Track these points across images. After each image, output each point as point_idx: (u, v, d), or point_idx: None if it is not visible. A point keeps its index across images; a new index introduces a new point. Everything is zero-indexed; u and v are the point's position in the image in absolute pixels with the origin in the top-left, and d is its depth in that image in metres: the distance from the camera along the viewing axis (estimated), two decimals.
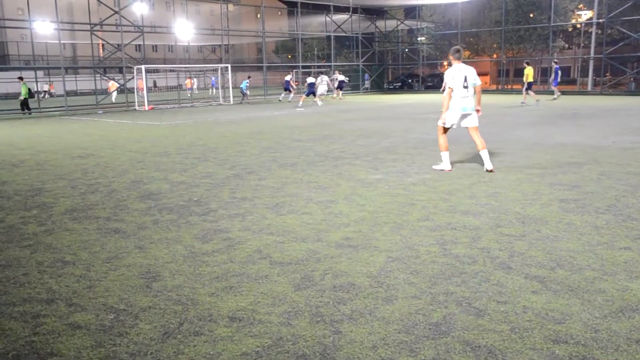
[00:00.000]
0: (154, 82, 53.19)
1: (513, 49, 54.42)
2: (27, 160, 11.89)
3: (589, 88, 41.24)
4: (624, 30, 38.83)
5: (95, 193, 8.28)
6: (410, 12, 53.21)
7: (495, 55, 56.95)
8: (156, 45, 65.92)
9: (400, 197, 7.54)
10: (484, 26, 53.13)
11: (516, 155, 10.87)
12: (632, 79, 41.80)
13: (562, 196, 7.36)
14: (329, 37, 47.69)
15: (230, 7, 55.63)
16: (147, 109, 30.20)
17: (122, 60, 32.52)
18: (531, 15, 51.84)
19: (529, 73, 26.79)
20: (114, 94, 37.82)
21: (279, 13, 76.06)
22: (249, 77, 37.12)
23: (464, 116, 9.30)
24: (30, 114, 27.76)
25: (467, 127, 9.43)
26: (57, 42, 30.70)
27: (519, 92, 29.43)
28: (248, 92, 36.45)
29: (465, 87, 9.18)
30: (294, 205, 7.20)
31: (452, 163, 9.78)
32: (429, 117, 20.76)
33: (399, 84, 52.09)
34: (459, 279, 4.48)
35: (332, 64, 45.78)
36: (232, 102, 34.73)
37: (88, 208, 7.30)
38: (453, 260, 4.92)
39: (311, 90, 31.15)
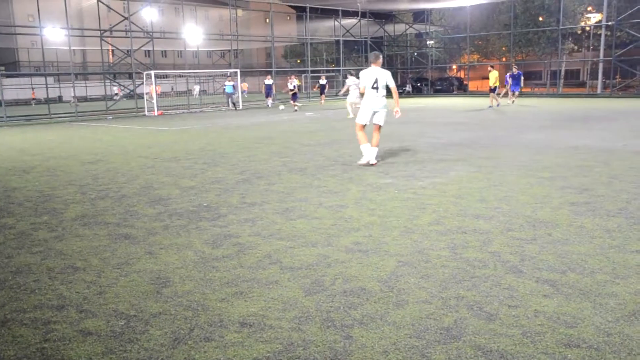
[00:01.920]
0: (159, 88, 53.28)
1: (522, 52, 54.32)
2: (38, 166, 11.96)
3: (599, 91, 41.08)
4: (634, 33, 38.65)
5: (105, 199, 8.31)
6: (419, 16, 53.22)
7: (504, 59, 56.83)
8: (165, 51, 66.29)
9: (411, 201, 7.52)
10: (493, 29, 53.10)
11: (527, 159, 10.82)
12: None
13: (573, 199, 7.32)
14: (337, 42, 47.73)
15: (239, 12, 55.79)
16: (156, 114, 30.31)
17: (131, 66, 32.70)
18: (540, 19, 51.72)
19: (495, 77, 27.94)
20: (154, 98, 38.61)
21: (288, 18, 76.30)
22: (229, 77, 34.50)
23: (374, 113, 10.42)
24: None
25: (373, 124, 10.53)
26: (67, 48, 30.89)
27: (528, 95, 29.98)
28: (234, 97, 34.68)
29: (375, 88, 10.25)
30: (304, 210, 7.20)
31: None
32: (439, 121, 20.72)
33: (408, 87, 51.97)
34: (469, 283, 4.46)
35: (342, 68, 45.83)
36: (241, 107, 34.78)
37: (98, 214, 7.33)
38: (464, 265, 4.90)
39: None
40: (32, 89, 34.80)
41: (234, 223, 6.62)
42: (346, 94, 24.60)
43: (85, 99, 52.92)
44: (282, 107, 30.41)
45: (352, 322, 3.83)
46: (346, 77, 25.77)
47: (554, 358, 3.27)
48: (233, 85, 33.75)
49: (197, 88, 51.72)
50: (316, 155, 12.27)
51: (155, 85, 33.11)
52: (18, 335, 3.81)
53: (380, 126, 10.55)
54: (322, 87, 37.16)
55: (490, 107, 27.51)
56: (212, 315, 4.00)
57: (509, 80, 29.90)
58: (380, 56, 10.49)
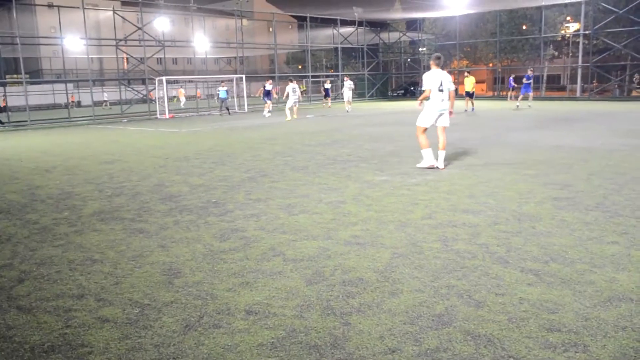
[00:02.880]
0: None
1: (507, 58, 54.19)
2: (59, 166, 11.95)
3: (578, 94, 41.11)
4: (608, 41, 38.69)
5: (120, 196, 8.31)
6: (412, 24, 53.01)
7: (491, 64, 56.73)
8: (176, 58, 66.17)
9: (405, 197, 7.52)
10: (480, 37, 52.89)
11: (512, 157, 10.81)
12: (616, 85, 41.90)
13: (555, 195, 7.32)
14: (336, 49, 47.65)
15: (244, 22, 55.69)
16: (167, 117, 30.25)
17: (144, 73, 32.67)
18: (524, 27, 51.62)
19: (471, 82, 27.12)
20: (183, 100, 38.71)
21: (290, 27, 76.22)
22: (222, 83, 32.47)
23: (439, 116, 9.75)
24: (4, 126, 25.83)
25: (437, 126, 9.81)
26: (86, 56, 30.85)
27: (515, 98, 29.49)
28: (227, 101, 32.28)
29: (441, 90, 9.60)
30: (305, 205, 7.19)
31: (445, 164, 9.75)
32: None
33: (402, 91, 51.91)
34: (459, 273, 4.46)
35: (340, 73, 45.80)
36: (246, 110, 34.68)
37: (114, 210, 7.33)
38: (454, 256, 4.90)
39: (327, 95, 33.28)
40: (72, 94, 35.36)
41: (240, 218, 6.61)
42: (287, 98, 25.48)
43: (101, 103, 52.90)
44: (267, 114, 28.82)
45: (351, 309, 3.83)
46: (289, 82, 25.94)
47: (537, 342, 3.27)
48: (226, 91, 32.57)
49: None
50: (317, 154, 12.26)
51: (183, 89, 33.06)
52: (42, 321, 3.81)
53: (445, 127, 9.86)
54: (327, 90, 37.02)
55: (465, 110, 26.26)
56: (220, 304, 4.00)
57: (513, 83, 28.98)
58: (442, 58, 9.75)
